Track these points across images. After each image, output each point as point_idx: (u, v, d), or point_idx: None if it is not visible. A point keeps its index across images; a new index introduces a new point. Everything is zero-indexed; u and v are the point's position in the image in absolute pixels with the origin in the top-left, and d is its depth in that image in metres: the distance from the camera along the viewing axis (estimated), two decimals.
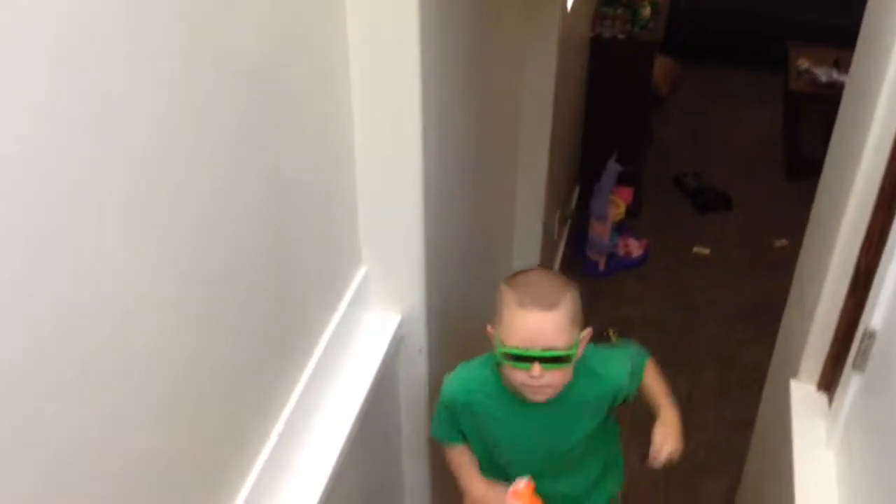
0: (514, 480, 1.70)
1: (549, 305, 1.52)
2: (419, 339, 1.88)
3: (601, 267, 3.94)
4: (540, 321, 1.52)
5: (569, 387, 1.62)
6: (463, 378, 1.74)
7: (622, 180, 3.92)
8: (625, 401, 1.75)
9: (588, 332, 1.63)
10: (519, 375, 1.58)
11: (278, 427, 1.43)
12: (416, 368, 1.93)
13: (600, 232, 3.85)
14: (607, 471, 1.86)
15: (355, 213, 1.69)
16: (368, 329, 1.80)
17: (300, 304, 1.51)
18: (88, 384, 0.93)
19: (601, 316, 3.61)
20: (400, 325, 1.81)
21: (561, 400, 1.63)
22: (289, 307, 1.46)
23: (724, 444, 3.12)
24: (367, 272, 1.76)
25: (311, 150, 1.46)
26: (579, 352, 1.59)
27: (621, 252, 4.03)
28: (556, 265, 3.79)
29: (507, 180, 2.82)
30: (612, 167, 3.75)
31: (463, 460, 1.82)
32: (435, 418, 1.81)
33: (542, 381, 1.56)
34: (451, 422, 1.77)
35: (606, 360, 1.73)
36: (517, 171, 2.93)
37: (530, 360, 1.54)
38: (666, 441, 1.68)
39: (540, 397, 1.61)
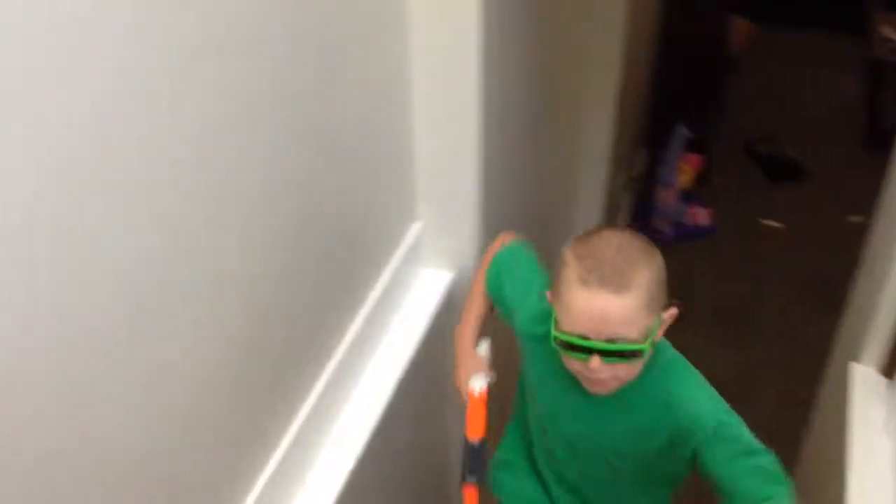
0: (536, 438, 1.54)
1: (620, 287, 1.18)
2: None
3: (667, 235, 3.85)
4: (605, 306, 1.18)
5: (643, 380, 1.29)
6: (540, 315, 1.38)
7: (691, 147, 3.81)
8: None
9: (671, 313, 1.29)
10: (574, 364, 1.27)
11: (323, 379, 1.43)
12: None
13: (666, 199, 3.77)
14: None
15: (412, 168, 1.67)
16: (421, 285, 1.79)
17: (354, 257, 1.51)
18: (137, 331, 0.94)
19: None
20: (452, 283, 1.80)
21: (627, 392, 1.31)
22: (342, 260, 1.46)
23: (783, 422, 3.06)
24: (423, 228, 1.75)
25: (368, 105, 1.44)
26: (658, 334, 1.27)
27: (689, 221, 3.94)
28: None
29: (569, 140, 2.77)
30: (681, 132, 3.66)
31: (476, 300, 1.59)
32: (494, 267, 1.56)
33: (602, 375, 1.25)
34: (501, 290, 1.51)
35: (693, 392, 1.35)
36: (582, 131, 2.86)
37: (588, 351, 1.22)
38: None
39: (600, 389, 1.29)
